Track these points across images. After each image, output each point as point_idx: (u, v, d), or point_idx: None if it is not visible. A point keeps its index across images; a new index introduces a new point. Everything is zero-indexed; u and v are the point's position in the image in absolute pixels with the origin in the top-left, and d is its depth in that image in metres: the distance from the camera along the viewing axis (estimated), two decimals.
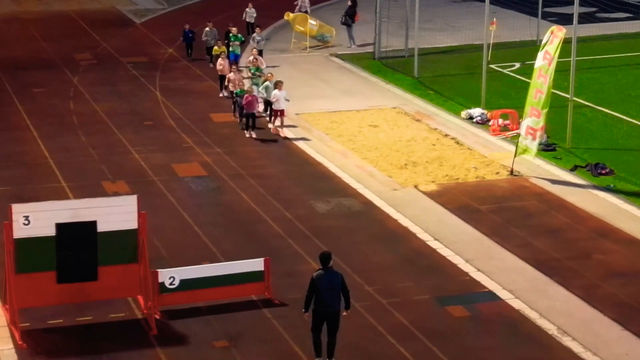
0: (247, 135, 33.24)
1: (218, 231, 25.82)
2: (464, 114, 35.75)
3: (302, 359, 19.66)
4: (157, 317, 21.11)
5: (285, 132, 33.36)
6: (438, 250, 24.65)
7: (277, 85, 33.45)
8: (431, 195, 28.24)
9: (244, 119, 33.67)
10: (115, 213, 20.93)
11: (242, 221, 26.56)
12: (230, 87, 35.66)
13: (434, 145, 32.65)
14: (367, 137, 33.42)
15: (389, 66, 42.86)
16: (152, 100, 38.05)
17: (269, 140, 33.12)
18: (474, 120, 35.17)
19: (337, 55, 45.02)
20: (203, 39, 42.90)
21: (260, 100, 34.99)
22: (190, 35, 43.71)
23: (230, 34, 41.40)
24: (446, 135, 33.64)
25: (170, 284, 21.35)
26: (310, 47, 46.07)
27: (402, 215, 26.78)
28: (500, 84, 39.14)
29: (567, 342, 20.31)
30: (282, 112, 33.39)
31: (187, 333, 20.67)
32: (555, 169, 30.32)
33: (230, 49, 40.90)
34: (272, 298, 22.00)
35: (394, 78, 41.00)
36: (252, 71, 37.12)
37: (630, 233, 25.61)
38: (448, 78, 40.98)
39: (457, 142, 32.85)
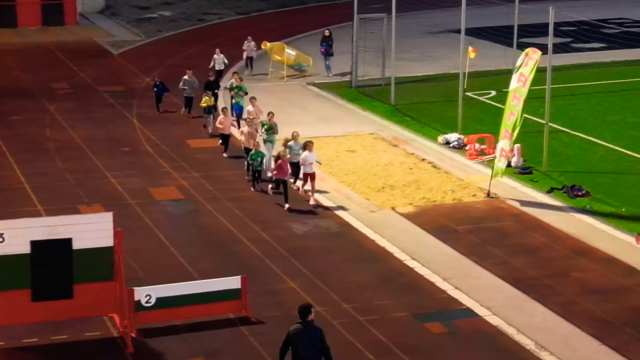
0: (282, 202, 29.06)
1: (195, 252, 25.71)
2: (440, 139, 35.88)
3: None
4: (133, 335, 20.94)
5: (316, 199, 29.23)
6: (415, 269, 24.62)
7: (307, 146, 29.53)
8: (408, 216, 28.26)
9: (273, 184, 29.85)
10: (91, 230, 20.79)
11: (219, 242, 26.47)
12: (243, 141, 31.90)
13: (411, 169, 32.72)
14: (345, 161, 33.45)
15: (365, 94, 43.03)
16: (129, 127, 37.99)
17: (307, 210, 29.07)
18: (451, 145, 35.30)
19: (315, 84, 45.16)
20: (180, 88, 39.09)
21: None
22: (160, 86, 39.91)
23: (234, 84, 37.62)
24: (423, 159, 33.72)
25: (147, 302, 21.21)
26: (287, 76, 46.21)
27: (379, 236, 26.75)
28: (476, 110, 39.36)
29: (545, 356, 20.28)
30: (312, 175, 29.33)
31: (163, 351, 20.51)
32: (532, 191, 30.42)
33: (234, 100, 37.46)
34: (249, 316, 21.88)
35: (371, 105, 41.15)
36: (264, 127, 32.44)
37: (607, 252, 25.67)
38: (425, 105, 41.16)
39: (434, 166, 32.93)
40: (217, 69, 43.00)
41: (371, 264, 25.03)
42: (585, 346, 20.72)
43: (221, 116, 34.12)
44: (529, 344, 20.80)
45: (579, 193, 29.97)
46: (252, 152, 30.42)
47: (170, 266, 24.71)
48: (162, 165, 33.12)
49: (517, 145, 32.23)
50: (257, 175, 30.33)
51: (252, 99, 34.35)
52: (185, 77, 38.85)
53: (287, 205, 28.63)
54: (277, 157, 29.22)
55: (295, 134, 30.50)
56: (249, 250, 25.83)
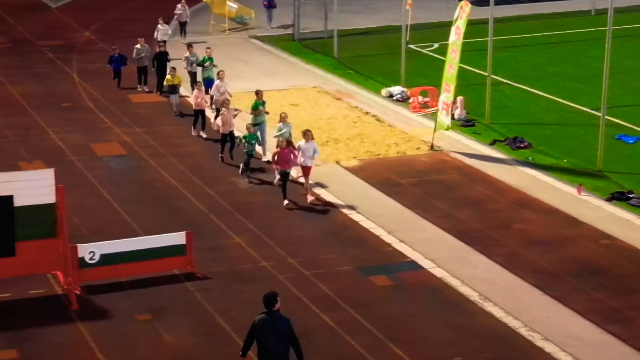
0: (285, 203, 25.65)
1: (138, 208, 25.52)
2: (384, 92, 35.89)
3: (226, 331, 19.50)
4: (78, 292, 20.78)
5: (313, 196, 26.04)
6: (360, 223, 24.68)
7: (305, 135, 25.88)
8: (353, 170, 28.28)
9: (279, 178, 26.27)
10: (32, 187, 20.52)
11: (163, 198, 26.29)
12: (221, 129, 28.88)
13: (355, 122, 32.71)
14: (289, 115, 33.16)
15: (308, 47, 42.86)
16: (69, 82, 37.49)
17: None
18: (394, 98, 35.34)
19: (257, 37, 44.86)
20: (135, 58, 36.28)
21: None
22: (118, 59, 36.69)
23: (205, 57, 34.54)
24: (367, 113, 33.72)
25: (91, 258, 21.02)
26: (229, 30, 45.82)
27: (324, 190, 26.76)
28: (419, 63, 39.38)
29: (489, 307, 20.48)
30: (308, 169, 25.95)
31: (108, 307, 20.38)
32: (475, 144, 30.59)
33: (205, 74, 34.20)
34: (194, 272, 21.81)
35: (313, 58, 41.00)
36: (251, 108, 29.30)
37: (549, 203, 25.94)
38: (368, 58, 41.10)
39: (378, 120, 32.96)
40: (159, 39, 39.29)
41: (316, 218, 25.04)
42: (528, 296, 20.97)
43: (196, 91, 31.54)
44: (473, 295, 21.00)
45: (521, 145, 30.21)
46: (245, 134, 27.66)
47: (114, 223, 24.52)
48: (103, 120, 32.75)
49: (459, 98, 32.37)
50: (248, 162, 27.54)
51: (221, 72, 31.91)
52: (138, 45, 36.34)
53: (285, 201, 25.50)
54: (280, 144, 25.92)
55: (283, 115, 27.84)
56: (193, 206, 25.70)
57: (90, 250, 21.04)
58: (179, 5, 44.11)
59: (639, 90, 35.80)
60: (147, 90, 36.04)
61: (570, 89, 36.01)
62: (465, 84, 33.40)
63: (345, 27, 43.90)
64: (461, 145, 30.44)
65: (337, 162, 28.86)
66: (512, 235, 23.98)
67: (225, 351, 18.74)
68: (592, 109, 32.50)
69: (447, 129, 30.45)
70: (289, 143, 25.80)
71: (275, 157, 25.73)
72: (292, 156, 25.65)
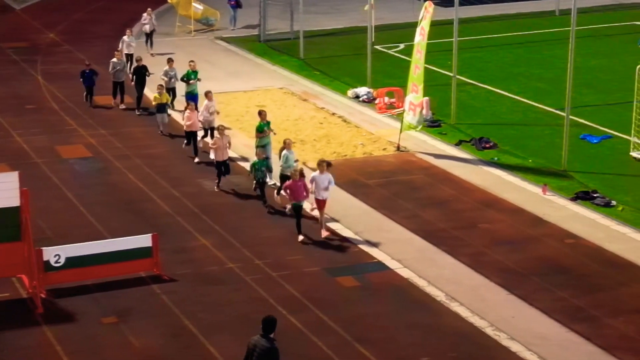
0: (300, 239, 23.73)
1: (104, 210, 25.42)
2: (350, 93, 35.96)
3: (193, 333, 19.46)
4: (43, 295, 20.67)
5: (328, 231, 24.08)
6: (327, 224, 24.68)
7: (320, 165, 23.97)
8: None
9: (290, 208, 24.67)
10: None
11: (128, 200, 26.20)
12: (214, 156, 26.97)
13: (322, 123, 32.75)
14: (255, 117, 32.88)
15: (274, 48, 42.86)
16: (33, 84, 37.28)
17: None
18: (360, 99, 35.42)
19: (222, 39, 44.80)
20: (110, 72, 34.34)
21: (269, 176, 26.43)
22: (90, 75, 34.57)
23: (190, 71, 32.71)
24: (333, 114, 33.77)
25: (56, 262, 20.93)
26: (194, 31, 45.74)
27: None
28: (385, 63, 39.47)
29: (455, 307, 20.57)
30: (323, 203, 23.90)
31: (74, 311, 20.28)
32: (441, 144, 30.71)
33: (189, 89, 32.27)
34: (161, 274, 21.75)
35: (279, 60, 41.01)
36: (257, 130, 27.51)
37: (514, 203, 26.09)
38: (334, 59, 41.16)
39: (344, 120, 33.02)
40: (126, 52, 37.54)
41: (282, 219, 25.03)
42: (494, 296, 21.08)
43: (187, 111, 29.27)
44: (439, 295, 21.08)
45: (487, 145, 30.37)
46: (255, 161, 25.64)
47: (80, 225, 24.40)
48: (68, 122, 32.60)
49: (425, 99, 32.43)
50: (262, 188, 25.75)
51: (209, 93, 29.86)
52: (114, 59, 34.47)
53: (300, 237, 23.67)
54: (293, 176, 24.04)
55: (288, 141, 25.81)
56: (159, 208, 25.63)
57: (55, 254, 20.95)
58: (144, 15, 42.12)
59: (604, 90, 36.09)
60: (123, 107, 34.03)
61: (535, 89, 36.24)
62: (431, 84, 33.50)
63: (311, 28, 43.96)
64: (427, 145, 30.56)
65: (304, 164, 28.85)
66: (477, 235, 24.10)
67: (192, 353, 18.71)
68: (556, 109, 32.72)
69: (413, 128, 30.49)
70: (301, 174, 24.05)
71: (287, 191, 23.96)
72: (304, 188, 23.76)
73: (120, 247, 21.57)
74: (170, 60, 34.05)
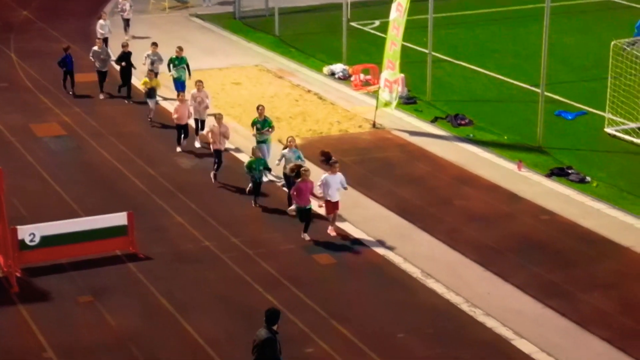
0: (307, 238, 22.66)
1: (79, 189, 25.31)
2: (325, 70, 35.90)
3: (170, 312, 19.44)
4: (18, 274, 20.60)
5: (337, 228, 23.08)
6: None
7: (332, 166, 22.95)
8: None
9: (293, 209, 23.37)
10: None
11: (104, 179, 26.10)
12: (213, 143, 25.81)
13: (297, 101, 32.70)
14: (230, 94, 33.22)
15: (249, 25, 42.70)
16: (7, 62, 36.97)
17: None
18: (336, 76, 35.37)
19: (197, 16, 44.57)
20: (94, 61, 32.91)
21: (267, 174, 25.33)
22: (71, 60, 32.77)
23: (174, 57, 31.64)
24: (309, 91, 33.72)
25: (31, 240, 20.84)
26: (169, 8, 45.47)
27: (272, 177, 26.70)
28: (360, 40, 39.38)
29: (431, 284, 20.64)
30: (336, 205, 22.90)
31: (49, 290, 20.22)
32: (417, 121, 30.74)
33: (175, 75, 31.50)
34: (137, 252, 21.70)
35: (255, 37, 40.86)
36: (256, 126, 26.20)
37: (489, 179, 26.17)
38: (309, 36, 41.02)
39: (320, 98, 32.98)
40: (101, 37, 35.73)
41: (259, 198, 24.98)
42: (470, 272, 21.17)
43: (177, 104, 28.04)
44: (415, 272, 21.14)
45: (462, 122, 30.42)
46: (251, 160, 24.33)
47: (55, 204, 24.29)
48: (43, 101, 32.38)
49: (401, 75, 32.39)
50: (258, 189, 24.44)
51: (197, 82, 28.73)
52: (95, 47, 32.94)
53: (306, 236, 22.67)
54: (297, 173, 22.79)
55: (290, 139, 24.51)
56: (135, 187, 25.55)
57: (30, 232, 20.86)
58: (120, 0, 40.58)
59: (578, 67, 36.18)
60: (102, 97, 32.59)
61: (510, 66, 36.27)
62: (406, 61, 33.44)
63: (286, 4, 43.75)
64: (403, 122, 30.57)
65: (280, 141, 28.76)
66: (453, 212, 24.17)
67: (168, 332, 18.70)
68: (531, 86, 32.78)
69: (390, 106, 30.47)
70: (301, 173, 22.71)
71: (295, 192, 22.63)
72: (311, 191, 22.66)
73: (95, 225, 21.50)
74: (154, 44, 32.81)
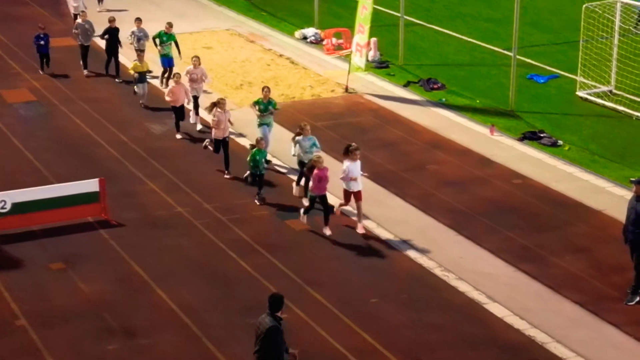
0: (326, 232, 21.31)
1: (50, 155, 25.13)
2: (297, 34, 35.72)
3: (143, 278, 19.39)
4: None
5: (365, 226, 21.52)
6: (276, 167, 24.64)
7: (351, 153, 21.28)
8: None
9: (307, 201, 21.98)
10: None
11: (75, 145, 25.91)
12: (213, 132, 24.09)
13: (269, 65, 32.54)
14: (202, 59, 32.53)
15: None
16: None
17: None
18: (308, 40, 35.21)
19: None
20: (76, 32, 31.29)
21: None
22: (43, 41, 30.98)
23: (163, 33, 30.07)
24: (281, 55, 33.55)
25: (2, 207, 20.68)
26: None
27: (244, 139, 26.58)
28: (332, 4, 39.16)
29: (405, 249, 20.67)
30: (358, 195, 21.44)
31: (21, 257, 20.10)
32: (389, 85, 30.68)
33: (163, 52, 29.97)
34: (108, 219, 21.59)
35: (226, 0, 40.57)
36: (258, 107, 24.68)
37: (462, 144, 26.19)
38: (281, 0, 40.76)
39: (292, 62, 32.83)
40: (74, 12, 35.03)
41: (231, 163, 24.85)
42: (443, 237, 21.22)
43: (172, 84, 26.75)
44: (389, 237, 21.16)
45: (435, 86, 30.39)
46: (254, 150, 22.62)
47: (26, 171, 24.10)
48: (12, 66, 32.07)
49: (373, 39, 32.33)
50: (261, 181, 22.80)
51: (193, 58, 27.35)
52: (79, 20, 31.55)
53: (328, 231, 21.23)
54: (310, 167, 21.45)
55: (304, 125, 22.91)
56: (106, 153, 25.39)
57: (1, 199, 20.69)
58: None
59: (550, 30, 36.20)
60: (85, 73, 31.31)
61: (482, 29, 36.23)
62: (378, 25, 33.36)
63: None
64: (375, 87, 30.51)
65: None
66: (426, 177, 24.19)
67: (142, 298, 18.66)
68: (504, 49, 32.72)
69: (361, 70, 30.43)
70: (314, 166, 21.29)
71: (313, 182, 21.27)
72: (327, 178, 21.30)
73: (67, 192, 21.36)
74: (138, 20, 31.17)
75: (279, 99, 29.02)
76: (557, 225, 21.70)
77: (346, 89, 30.14)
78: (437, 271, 19.75)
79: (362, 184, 21.44)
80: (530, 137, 26.49)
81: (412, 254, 20.45)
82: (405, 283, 19.32)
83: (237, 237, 21.11)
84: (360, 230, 21.37)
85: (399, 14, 33.10)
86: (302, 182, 22.93)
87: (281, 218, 21.97)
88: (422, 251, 20.52)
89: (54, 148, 25.67)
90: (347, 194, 21.41)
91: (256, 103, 24.76)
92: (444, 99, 29.45)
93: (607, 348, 17.13)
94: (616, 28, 28.88)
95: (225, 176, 23.97)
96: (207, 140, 24.04)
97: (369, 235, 21.19)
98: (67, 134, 26.61)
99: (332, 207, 21.65)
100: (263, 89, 24.80)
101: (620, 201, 22.53)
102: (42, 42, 30.85)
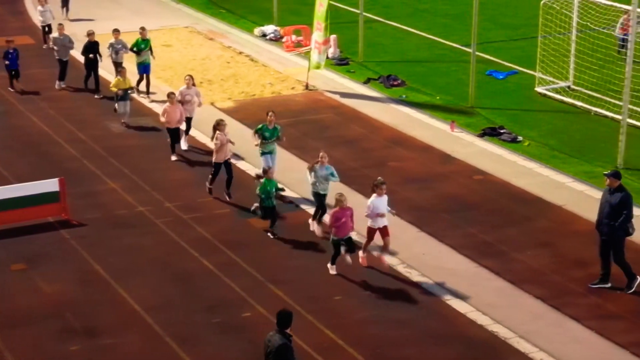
0: (346, 259, 19.61)
1: (9, 155, 24.92)
2: (257, 31, 35.69)
3: (104, 277, 19.27)
4: None
5: (387, 259, 20.01)
6: (237, 165, 24.57)
7: (377, 188, 19.59)
8: (228, 111, 28.10)
9: (334, 243, 19.58)
10: None
11: (33, 144, 25.71)
12: (214, 156, 22.67)
13: (229, 63, 32.47)
14: (161, 57, 32.77)
15: None
16: None
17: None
18: (267, 37, 35.17)
19: None
20: (54, 48, 30.21)
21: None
22: (12, 56, 29.74)
23: (139, 40, 29.27)
24: (240, 52, 33.50)
25: None
26: None
27: (199, 132, 26.52)
28: (291, 1, 39.17)
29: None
30: (385, 230, 19.72)
31: None
32: (349, 82, 30.72)
33: (138, 60, 29.21)
34: (69, 219, 21.44)
35: None
36: (263, 135, 22.73)
37: (423, 140, 26.28)
38: None
39: (252, 59, 32.78)
40: (42, 24, 34.20)
41: (191, 161, 24.81)
42: (405, 233, 21.26)
43: (166, 104, 25.10)
44: (351, 234, 21.10)
45: (395, 83, 30.48)
46: (264, 181, 21.06)
47: None
48: None
49: (333, 36, 32.35)
50: (274, 215, 21.21)
51: (188, 77, 25.97)
52: (56, 34, 30.67)
53: (348, 258, 19.57)
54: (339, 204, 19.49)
55: (322, 155, 21.00)
56: (66, 152, 25.21)
57: None
58: None
59: (509, 26, 36.42)
60: (63, 86, 30.04)
61: (441, 26, 36.39)
62: (338, 22, 33.40)
63: None
64: (335, 84, 30.54)
65: (212, 104, 28.63)
66: (387, 174, 24.13)
67: (104, 298, 18.55)
68: (463, 46, 32.92)
69: (320, 67, 30.44)
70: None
71: (333, 225, 19.45)
72: (352, 219, 19.65)
73: (26, 192, 21.21)
74: (115, 31, 29.99)
75: (239, 97, 29.04)
76: (518, 220, 21.84)
77: (306, 86, 30.15)
78: (400, 268, 19.80)
79: (387, 220, 19.72)
80: (490, 133, 26.64)
81: (374, 250, 20.45)
82: (368, 280, 19.34)
83: (198, 235, 21.04)
84: (384, 261, 19.81)
85: (358, 11, 33.16)
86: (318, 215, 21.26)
87: (242, 216, 21.92)
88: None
89: (13, 147, 25.49)
90: (371, 232, 19.72)
91: (259, 130, 22.73)
92: (404, 96, 29.54)
93: (569, 342, 17.27)
94: (574, 24, 29.11)
95: (227, 197, 22.62)
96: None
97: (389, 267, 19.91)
98: (25, 133, 26.43)
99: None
100: (268, 114, 22.79)
101: (580, 196, 22.75)
102: (9, 58, 29.45)
